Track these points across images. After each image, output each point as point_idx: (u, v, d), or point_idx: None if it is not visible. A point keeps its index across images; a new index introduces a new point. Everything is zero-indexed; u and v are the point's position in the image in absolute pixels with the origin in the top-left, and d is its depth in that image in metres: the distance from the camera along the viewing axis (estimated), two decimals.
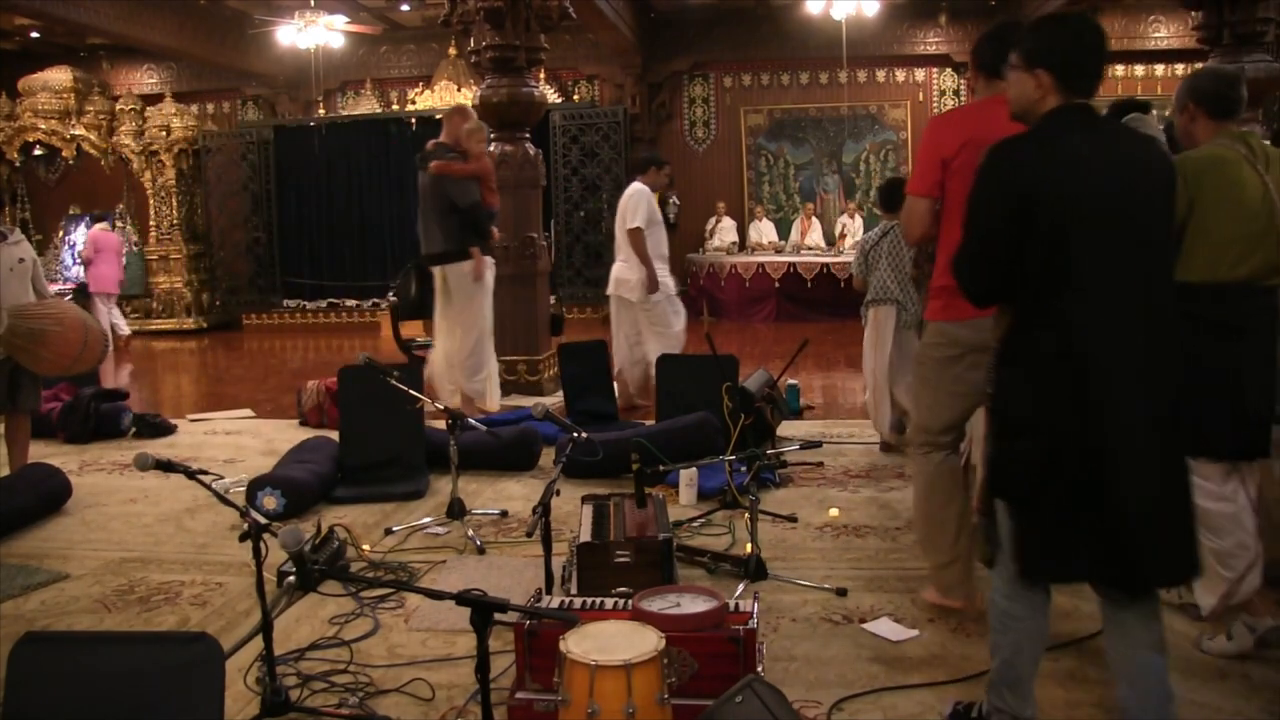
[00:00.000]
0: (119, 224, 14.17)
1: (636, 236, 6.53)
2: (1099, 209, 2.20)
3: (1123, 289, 2.21)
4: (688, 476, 4.72)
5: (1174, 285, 2.35)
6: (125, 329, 11.96)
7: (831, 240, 13.56)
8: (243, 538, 2.77)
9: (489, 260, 6.37)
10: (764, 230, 14.00)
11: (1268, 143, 3.07)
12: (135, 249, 13.93)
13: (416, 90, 14.10)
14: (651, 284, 6.51)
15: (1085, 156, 2.22)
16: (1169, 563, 2.25)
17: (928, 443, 3.26)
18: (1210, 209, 2.74)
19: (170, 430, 6.87)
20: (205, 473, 2.92)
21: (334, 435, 5.47)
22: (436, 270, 6.48)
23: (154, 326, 13.42)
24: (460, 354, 6.45)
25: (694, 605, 2.66)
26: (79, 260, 14.48)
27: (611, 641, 2.28)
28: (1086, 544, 2.21)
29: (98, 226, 12.12)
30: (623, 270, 6.74)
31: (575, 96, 14.68)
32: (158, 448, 6.31)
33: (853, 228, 13.21)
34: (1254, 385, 2.91)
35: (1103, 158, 2.24)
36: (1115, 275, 2.20)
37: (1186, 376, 2.30)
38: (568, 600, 2.94)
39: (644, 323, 6.70)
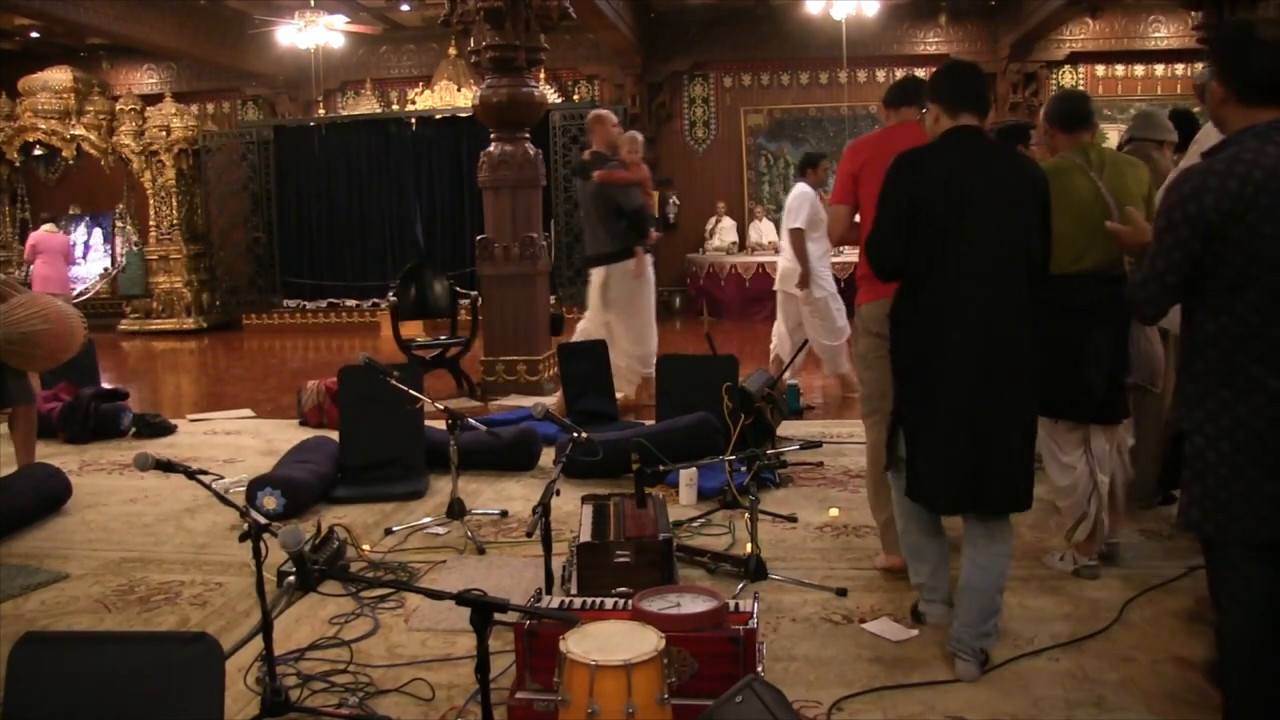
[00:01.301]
0: (119, 223, 14.21)
1: (797, 237, 6.82)
2: (966, 207, 2.83)
3: (982, 268, 2.83)
4: (688, 476, 4.72)
5: (1033, 266, 2.91)
6: None
7: None
8: (243, 538, 2.77)
9: (648, 258, 6.79)
10: (764, 230, 14.00)
11: (1125, 150, 3.59)
12: (135, 249, 13.95)
13: (416, 90, 14.10)
14: (804, 281, 6.78)
15: (959, 166, 2.88)
16: (1001, 495, 2.89)
17: (874, 410, 3.66)
18: (1055, 212, 3.10)
19: (170, 430, 6.87)
20: (205, 473, 2.92)
21: (334, 435, 5.47)
22: (597, 271, 6.74)
23: (154, 326, 13.42)
24: (634, 347, 6.79)
25: (694, 605, 2.67)
26: (76, 260, 14.54)
27: (611, 641, 2.28)
28: (945, 474, 2.89)
29: (43, 228, 11.88)
30: (787, 266, 7.03)
31: (575, 96, 14.68)
32: (158, 448, 6.31)
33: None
34: (1100, 362, 3.46)
35: (974, 168, 2.88)
36: (976, 257, 2.83)
37: (1046, 353, 3.05)
38: (568, 600, 2.94)
39: (806, 315, 6.95)
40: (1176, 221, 2.22)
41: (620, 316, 6.74)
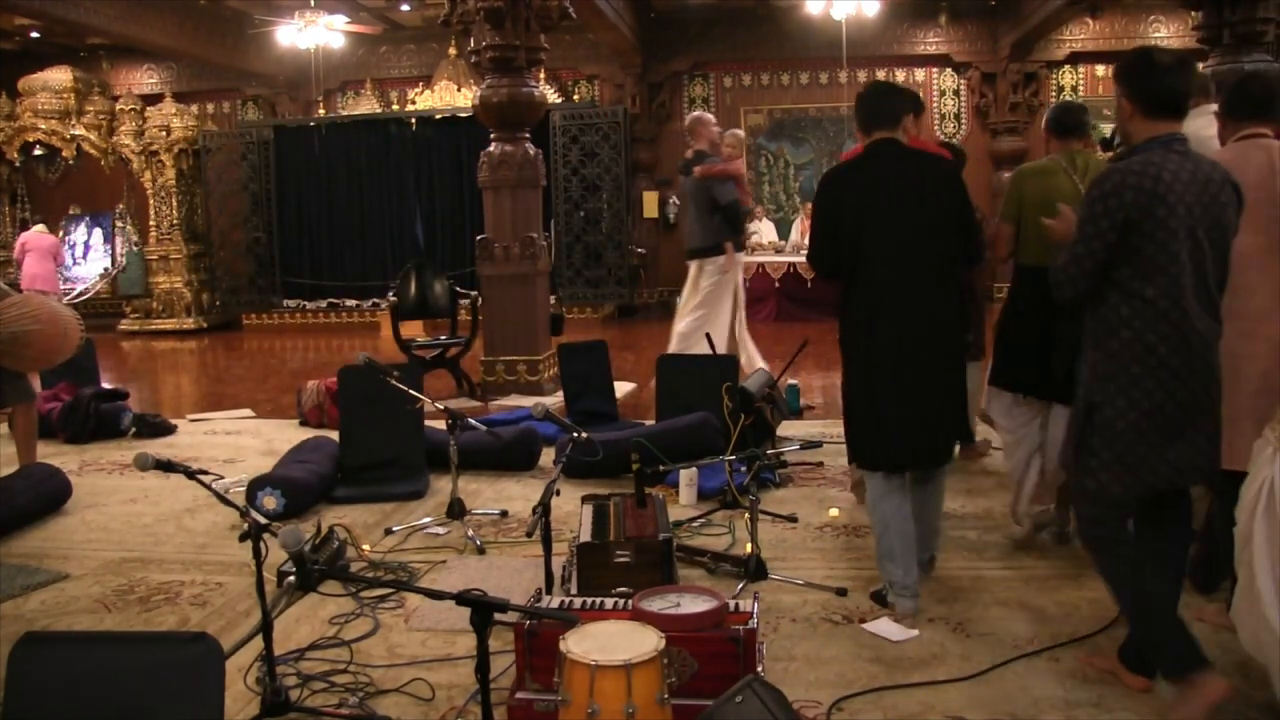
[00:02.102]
0: (119, 223, 14.21)
1: None
2: (885, 210, 3.23)
3: (903, 264, 3.22)
4: (688, 476, 4.72)
5: (953, 259, 3.31)
6: None
7: None
8: (243, 538, 2.77)
9: (739, 256, 7.00)
10: (764, 230, 14.00)
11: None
12: (135, 249, 13.94)
13: (416, 90, 14.10)
14: None
15: (879, 176, 3.28)
16: (926, 453, 3.36)
17: None
18: (1031, 208, 3.51)
19: (170, 430, 6.87)
20: (205, 473, 2.92)
21: (334, 435, 5.47)
22: (693, 264, 6.99)
23: (154, 326, 13.41)
24: (681, 327, 6.98)
25: (694, 605, 2.67)
26: (76, 260, 14.55)
27: (611, 641, 2.28)
28: (882, 439, 3.30)
29: (33, 229, 12.18)
30: None
31: (575, 96, 14.68)
32: (158, 448, 6.31)
33: None
34: (1064, 347, 3.56)
35: (893, 176, 3.27)
36: (898, 255, 3.22)
37: (1021, 337, 3.77)
38: (568, 600, 2.94)
39: None
40: (1098, 214, 2.57)
41: (707, 309, 6.94)
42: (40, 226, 12.28)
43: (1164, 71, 2.60)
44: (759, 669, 2.57)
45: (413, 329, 9.39)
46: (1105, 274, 2.60)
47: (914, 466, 3.41)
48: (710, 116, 7.27)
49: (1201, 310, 2.56)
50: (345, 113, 14.27)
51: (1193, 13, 7.95)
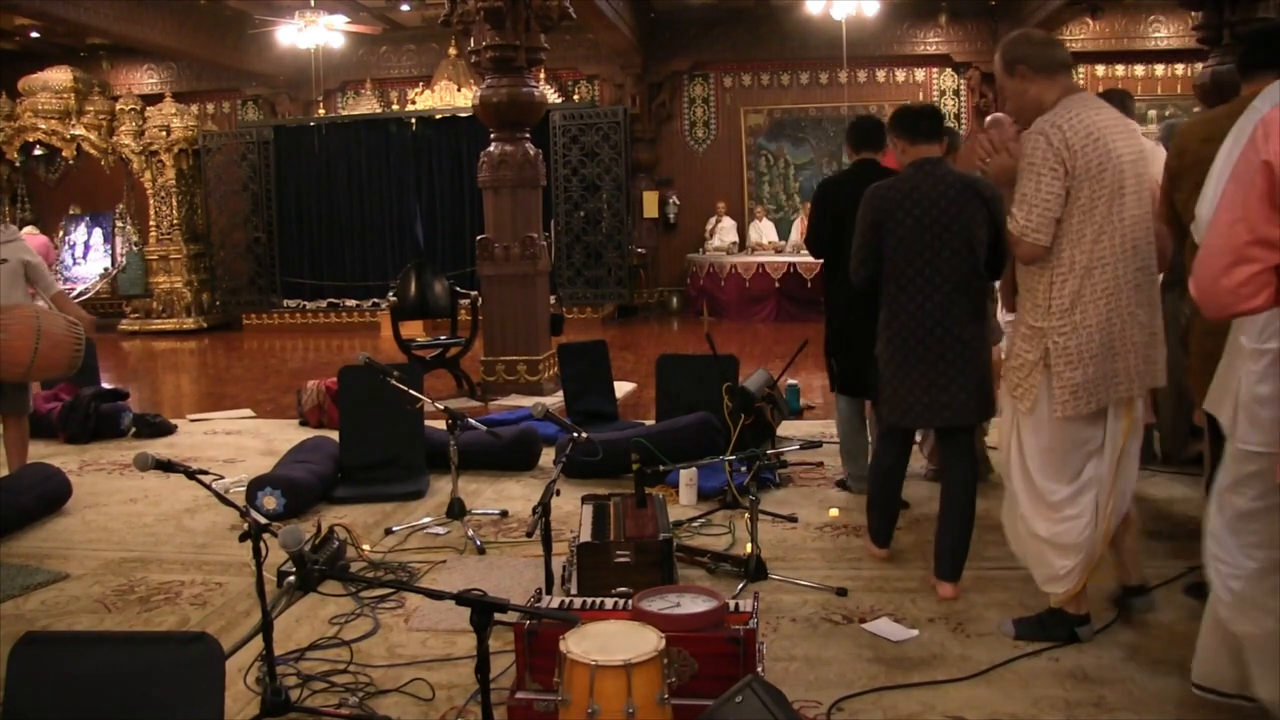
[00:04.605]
0: (119, 223, 14.21)
1: None
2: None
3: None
4: (688, 476, 4.72)
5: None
6: None
7: None
8: (243, 538, 2.77)
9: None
10: (764, 230, 14.00)
11: None
12: (135, 249, 13.94)
13: (416, 90, 14.09)
14: None
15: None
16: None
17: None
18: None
19: (170, 430, 6.88)
20: (205, 473, 2.92)
21: (334, 435, 5.47)
22: None
23: (154, 326, 13.41)
24: None
25: (694, 605, 2.66)
26: (76, 260, 14.55)
27: (611, 641, 2.28)
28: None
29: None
30: None
31: (575, 96, 14.68)
32: (158, 448, 6.31)
33: None
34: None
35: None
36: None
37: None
38: (568, 600, 2.94)
39: None
40: (861, 216, 3.60)
41: None
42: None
43: (916, 111, 3.65)
44: (759, 669, 2.57)
45: (413, 329, 9.39)
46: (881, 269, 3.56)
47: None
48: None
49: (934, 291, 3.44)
50: (345, 113, 14.27)
51: (1193, 13, 7.96)
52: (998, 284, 3.64)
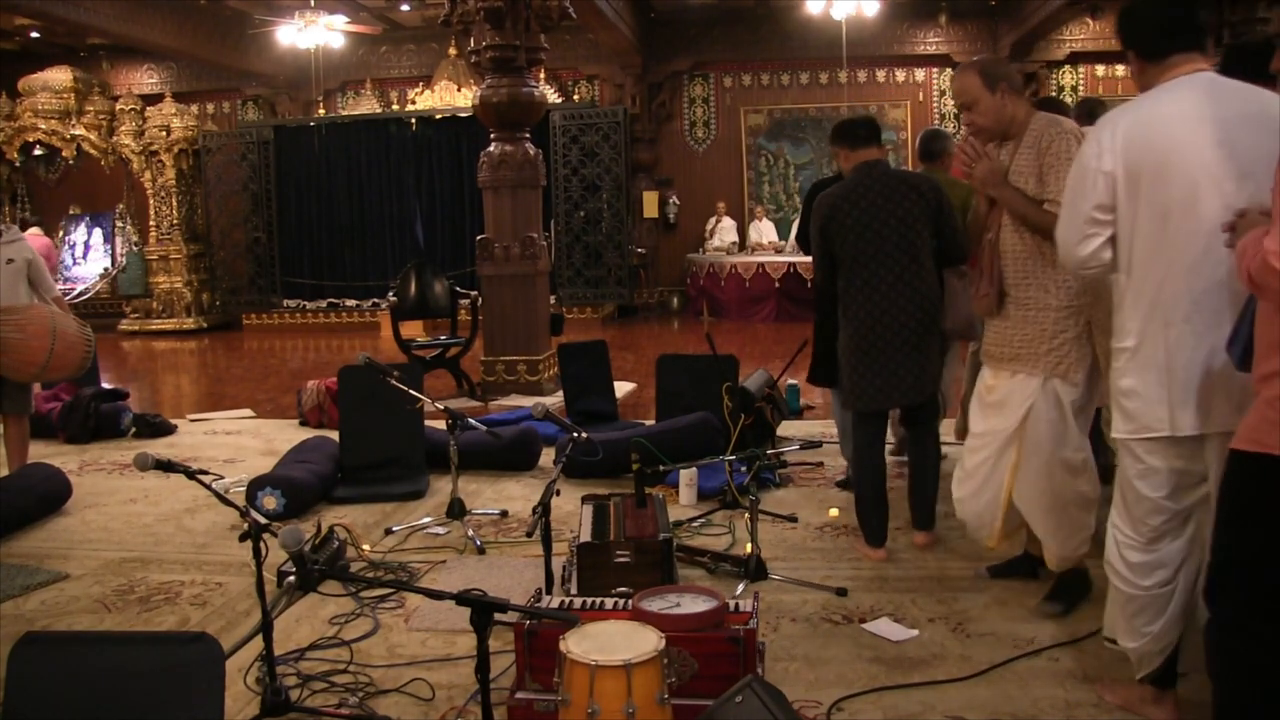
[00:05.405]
0: (119, 223, 14.21)
1: None
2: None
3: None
4: (688, 476, 4.72)
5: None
6: None
7: None
8: (243, 538, 2.78)
9: None
10: (764, 230, 14.00)
11: None
12: (135, 249, 13.94)
13: (416, 90, 14.09)
14: None
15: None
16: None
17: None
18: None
19: (170, 430, 6.88)
20: (205, 473, 2.92)
21: (334, 435, 5.47)
22: None
23: (154, 326, 13.41)
24: None
25: (694, 605, 2.66)
26: (76, 260, 14.54)
27: (611, 641, 2.28)
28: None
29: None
30: None
31: (575, 96, 14.68)
32: (158, 448, 6.31)
33: None
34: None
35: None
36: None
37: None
38: (568, 600, 2.94)
39: None
40: (811, 222, 3.88)
41: None
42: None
43: (857, 122, 4.00)
44: (759, 669, 2.57)
45: (413, 329, 9.39)
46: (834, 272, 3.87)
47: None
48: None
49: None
50: (345, 113, 14.27)
51: None
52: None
